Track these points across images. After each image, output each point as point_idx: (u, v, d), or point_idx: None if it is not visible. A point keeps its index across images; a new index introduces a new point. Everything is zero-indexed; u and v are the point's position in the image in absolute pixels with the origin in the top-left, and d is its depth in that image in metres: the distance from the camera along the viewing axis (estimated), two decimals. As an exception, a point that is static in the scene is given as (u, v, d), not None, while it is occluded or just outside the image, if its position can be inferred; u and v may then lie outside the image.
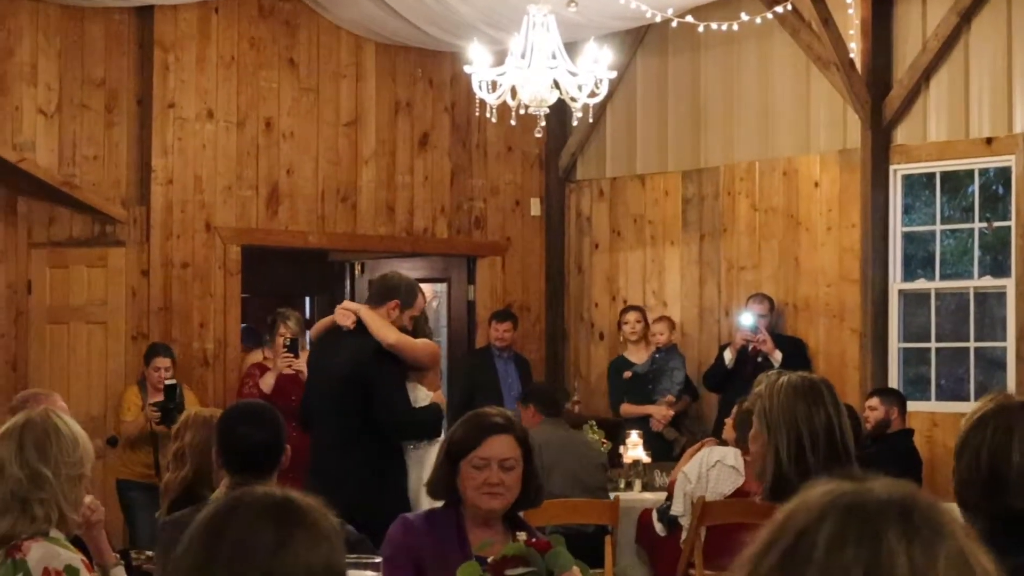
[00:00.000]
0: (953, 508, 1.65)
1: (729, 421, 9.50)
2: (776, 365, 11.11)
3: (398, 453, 7.87)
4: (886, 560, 1.63)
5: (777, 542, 1.70)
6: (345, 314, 8.13)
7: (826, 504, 1.70)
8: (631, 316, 12.85)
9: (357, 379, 7.92)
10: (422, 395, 7.99)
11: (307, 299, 16.38)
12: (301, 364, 10.76)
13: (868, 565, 1.63)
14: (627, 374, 12.62)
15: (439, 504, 5.08)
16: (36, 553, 4.43)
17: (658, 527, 9.47)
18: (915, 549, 1.65)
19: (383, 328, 7.93)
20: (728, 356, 12.02)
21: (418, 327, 8.21)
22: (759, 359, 11.73)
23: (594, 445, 10.45)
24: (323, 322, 8.55)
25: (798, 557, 1.67)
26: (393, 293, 8.09)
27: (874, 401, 10.84)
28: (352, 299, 16.15)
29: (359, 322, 8.01)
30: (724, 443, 9.46)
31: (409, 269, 13.02)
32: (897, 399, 10.92)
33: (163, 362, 10.94)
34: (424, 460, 7.69)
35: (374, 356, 7.90)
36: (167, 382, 10.58)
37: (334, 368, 8.08)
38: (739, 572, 1.72)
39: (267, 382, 10.86)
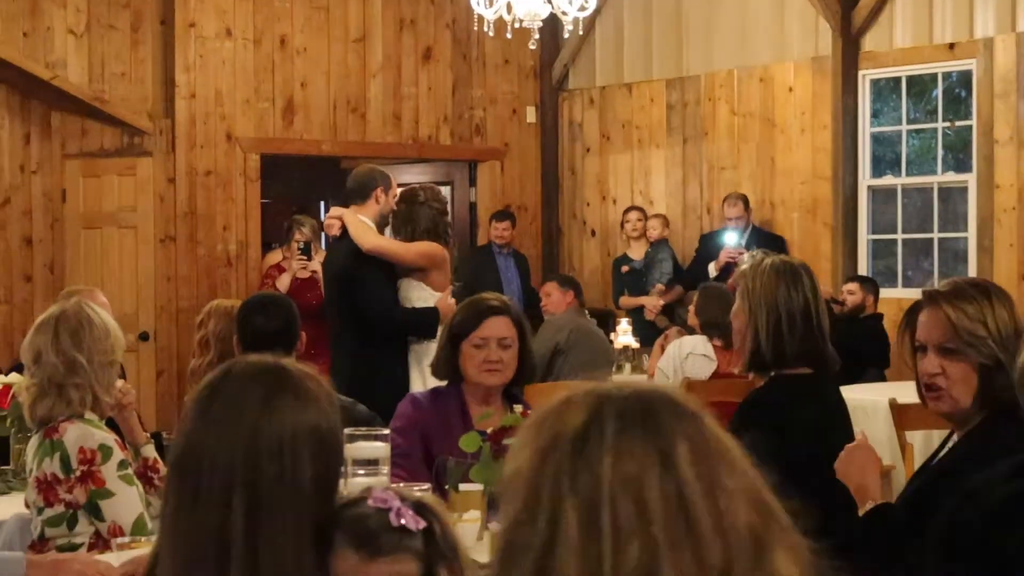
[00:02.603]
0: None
1: (691, 308, 9.40)
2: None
3: (391, 349, 7.61)
4: (669, 437, 1.69)
5: (561, 436, 1.70)
6: (330, 223, 7.91)
7: (598, 401, 1.73)
8: (632, 215, 12.82)
9: (343, 279, 7.73)
10: (426, 295, 7.69)
11: (322, 203, 16.34)
12: (315, 266, 10.70)
13: (657, 442, 1.68)
14: (625, 268, 12.64)
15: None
16: (72, 434, 4.43)
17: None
18: (688, 427, 1.71)
19: (361, 234, 7.64)
20: (712, 271, 11.91)
21: (440, 228, 7.90)
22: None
23: (607, 341, 10.45)
24: None
25: (590, 445, 1.68)
26: (372, 183, 7.83)
27: (853, 286, 10.90)
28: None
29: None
30: (691, 331, 9.36)
31: (416, 174, 13.00)
32: (873, 287, 10.98)
33: None
34: (422, 358, 7.50)
35: (356, 257, 7.64)
36: None
37: (328, 271, 8.01)
38: (524, 469, 1.71)
39: (283, 282, 10.74)
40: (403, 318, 7.62)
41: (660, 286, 12.38)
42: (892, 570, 3.55)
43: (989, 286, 3.68)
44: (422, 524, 2.43)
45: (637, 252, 12.72)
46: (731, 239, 11.92)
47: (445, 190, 13.79)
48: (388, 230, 8.05)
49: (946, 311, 3.58)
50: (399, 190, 8.11)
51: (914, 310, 3.70)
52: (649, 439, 1.67)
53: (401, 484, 3.78)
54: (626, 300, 12.47)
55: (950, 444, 3.74)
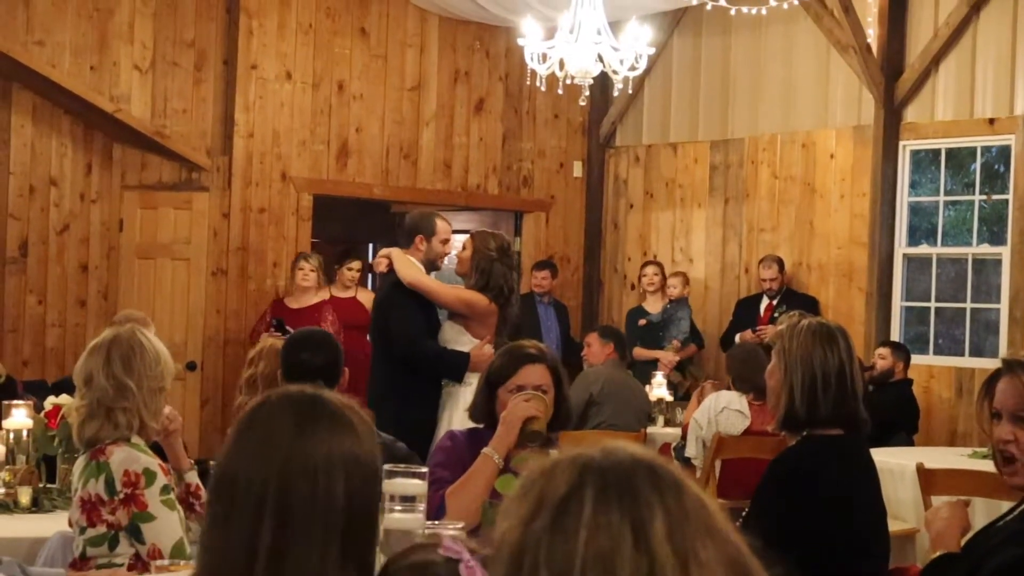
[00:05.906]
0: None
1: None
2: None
3: (419, 386, 7.60)
4: (646, 511, 1.67)
5: (543, 505, 1.69)
6: (379, 261, 7.99)
7: (581, 468, 1.72)
8: (649, 269, 12.87)
9: (379, 311, 7.87)
10: (464, 339, 7.68)
11: (370, 245, 16.38)
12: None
13: (633, 517, 1.66)
14: (642, 322, 12.64)
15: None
16: (118, 456, 4.42)
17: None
18: (668, 498, 1.69)
19: (404, 267, 7.73)
20: (738, 340, 11.95)
21: (504, 288, 7.74)
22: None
23: (645, 394, 10.38)
24: None
25: (568, 517, 1.67)
26: (415, 230, 7.91)
27: (884, 351, 10.80)
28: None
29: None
30: (727, 387, 9.34)
31: (462, 221, 12.98)
32: (904, 353, 10.87)
33: None
34: (449, 398, 7.55)
35: (393, 290, 7.74)
36: None
37: (373, 303, 8.10)
38: (508, 535, 1.70)
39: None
40: (428, 353, 7.61)
41: (676, 342, 12.37)
42: None
43: None
44: None
45: (653, 306, 12.74)
46: (760, 323, 12.02)
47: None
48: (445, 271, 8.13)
49: (1022, 379, 3.54)
50: (487, 235, 8.00)
51: (994, 378, 3.65)
52: (625, 513, 1.66)
53: (435, 523, 3.75)
54: (640, 352, 12.40)
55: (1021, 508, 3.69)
